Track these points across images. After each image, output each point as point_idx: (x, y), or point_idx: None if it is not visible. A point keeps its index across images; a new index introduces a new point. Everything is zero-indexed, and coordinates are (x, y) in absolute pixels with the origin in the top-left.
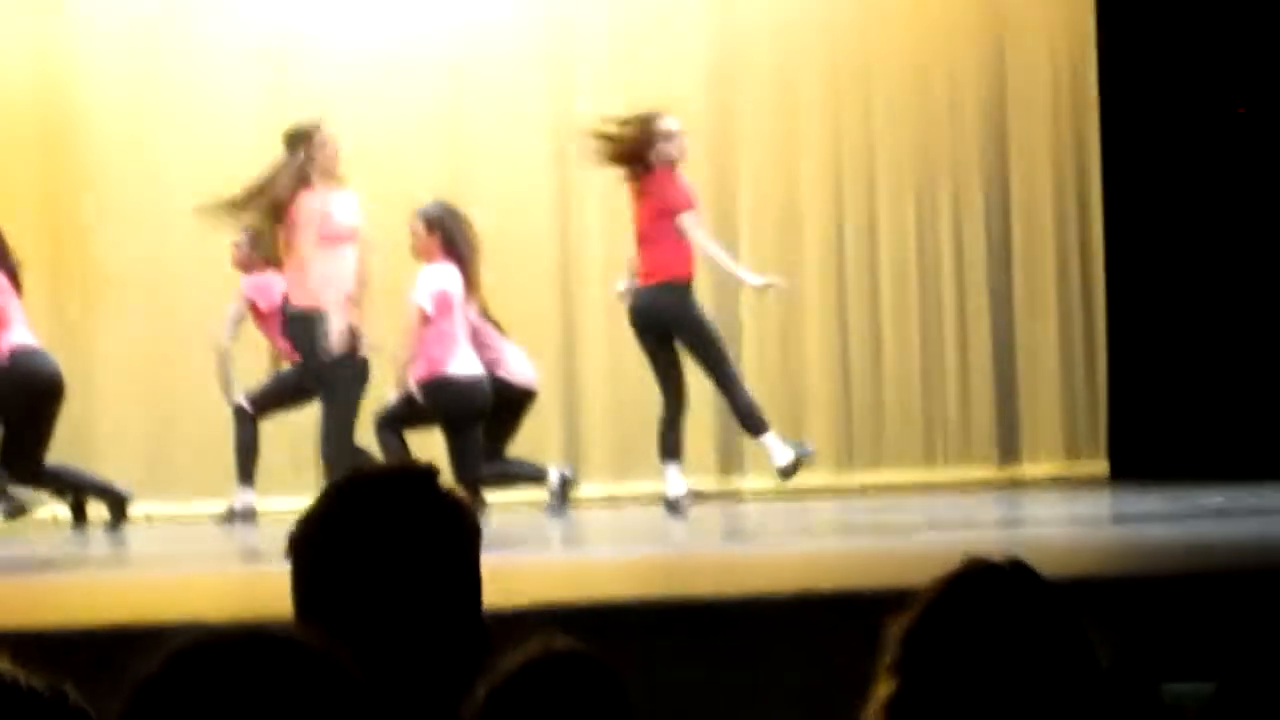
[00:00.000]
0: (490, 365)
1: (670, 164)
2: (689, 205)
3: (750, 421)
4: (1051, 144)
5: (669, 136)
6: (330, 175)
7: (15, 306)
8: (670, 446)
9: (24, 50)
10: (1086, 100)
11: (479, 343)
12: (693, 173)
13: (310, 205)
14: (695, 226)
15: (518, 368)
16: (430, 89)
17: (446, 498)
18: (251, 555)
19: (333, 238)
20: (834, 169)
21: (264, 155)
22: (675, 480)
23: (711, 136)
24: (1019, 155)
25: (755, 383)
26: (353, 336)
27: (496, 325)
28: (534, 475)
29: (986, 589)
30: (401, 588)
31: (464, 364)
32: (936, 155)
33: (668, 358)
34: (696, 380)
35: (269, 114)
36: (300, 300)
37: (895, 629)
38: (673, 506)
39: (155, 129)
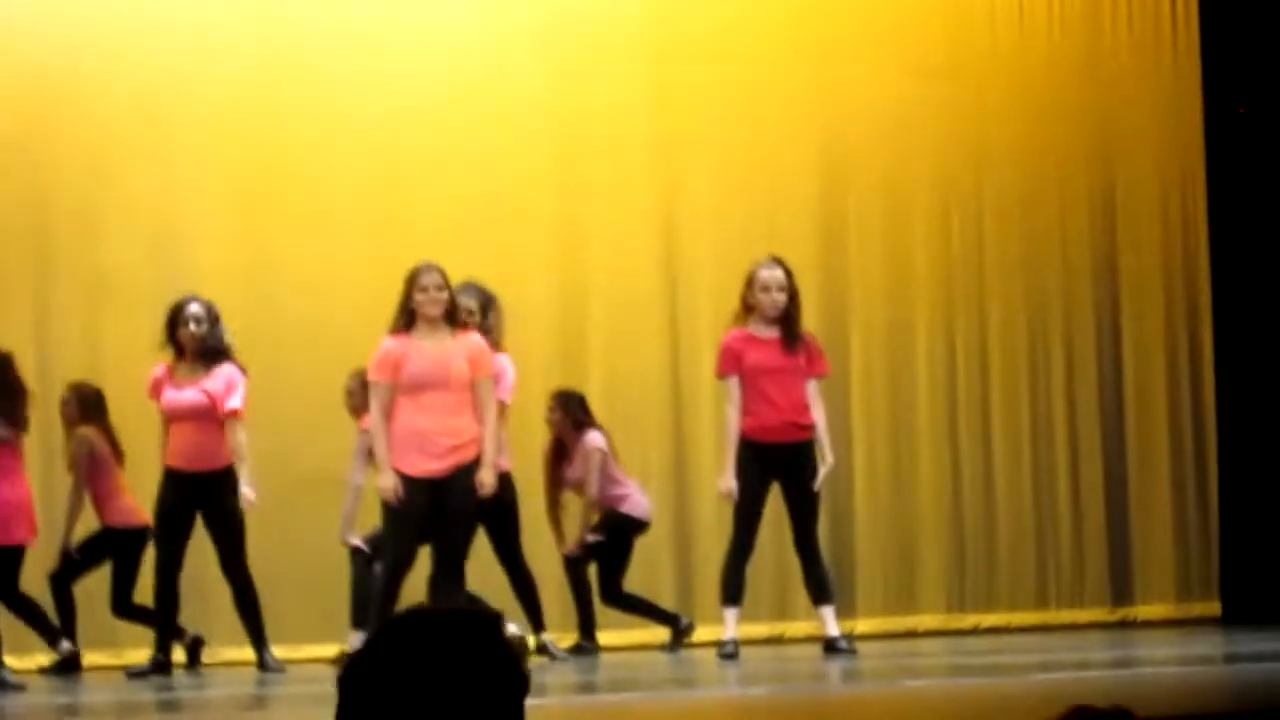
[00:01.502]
0: (617, 501)
1: None
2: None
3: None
4: (1163, 282)
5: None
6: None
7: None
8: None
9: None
10: (1197, 232)
11: (610, 478)
12: (806, 301)
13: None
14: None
15: (640, 502)
16: (545, 225)
17: (504, 645)
18: None
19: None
20: (946, 307)
21: (383, 290)
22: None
23: (821, 275)
24: (1130, 293)
25: (867, 525)
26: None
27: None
28: (657, 615)
29: None
30: None
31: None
32: (1049, 294)
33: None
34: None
35: (381, 231)
36: None
37: None
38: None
39: (269, 251)
